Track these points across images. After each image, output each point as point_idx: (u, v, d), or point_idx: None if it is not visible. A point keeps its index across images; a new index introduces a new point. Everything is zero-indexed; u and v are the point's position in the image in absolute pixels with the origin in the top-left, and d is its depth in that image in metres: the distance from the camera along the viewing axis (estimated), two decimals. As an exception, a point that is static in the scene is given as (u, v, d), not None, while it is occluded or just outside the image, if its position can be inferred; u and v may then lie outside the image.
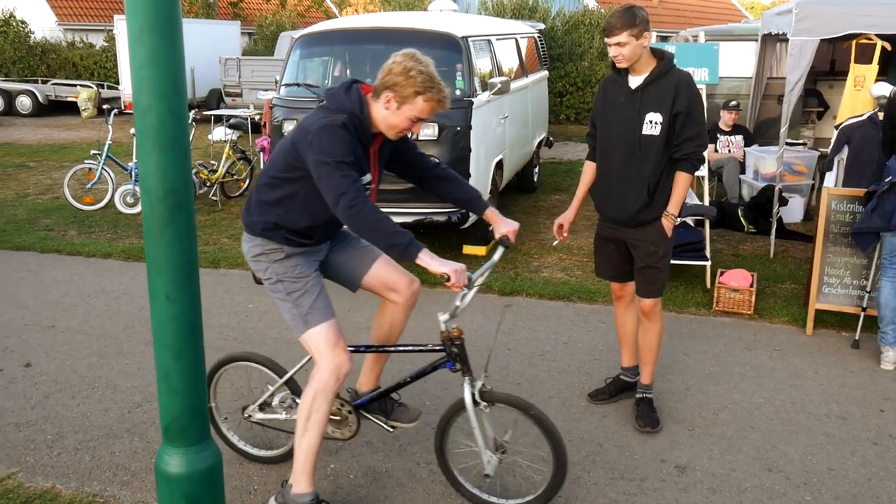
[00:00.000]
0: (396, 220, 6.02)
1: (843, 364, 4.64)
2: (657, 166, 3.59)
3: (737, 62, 9.74)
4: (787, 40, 6.29)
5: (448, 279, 2.63)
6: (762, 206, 7.33)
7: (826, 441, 3.75)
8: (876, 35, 6.12)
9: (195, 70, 16.83)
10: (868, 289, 4.91)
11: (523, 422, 2.97)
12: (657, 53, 3.58)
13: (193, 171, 8.76)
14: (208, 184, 8.98)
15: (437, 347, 3.02)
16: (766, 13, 8.65)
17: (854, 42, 6.30)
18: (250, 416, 3.45)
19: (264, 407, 3.41)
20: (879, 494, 3.31)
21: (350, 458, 3.59)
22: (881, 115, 5.47)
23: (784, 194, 7.13)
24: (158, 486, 1.66)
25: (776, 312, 5.43)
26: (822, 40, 6.24)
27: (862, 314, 4.93)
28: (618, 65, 3.60)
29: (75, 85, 19.16)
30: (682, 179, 3.61)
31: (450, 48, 6.26)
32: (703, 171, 6.02)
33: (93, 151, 8.89)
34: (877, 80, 6.15)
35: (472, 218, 6.39)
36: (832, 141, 5.96)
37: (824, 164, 6.29)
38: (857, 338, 4.89)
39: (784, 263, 6.57)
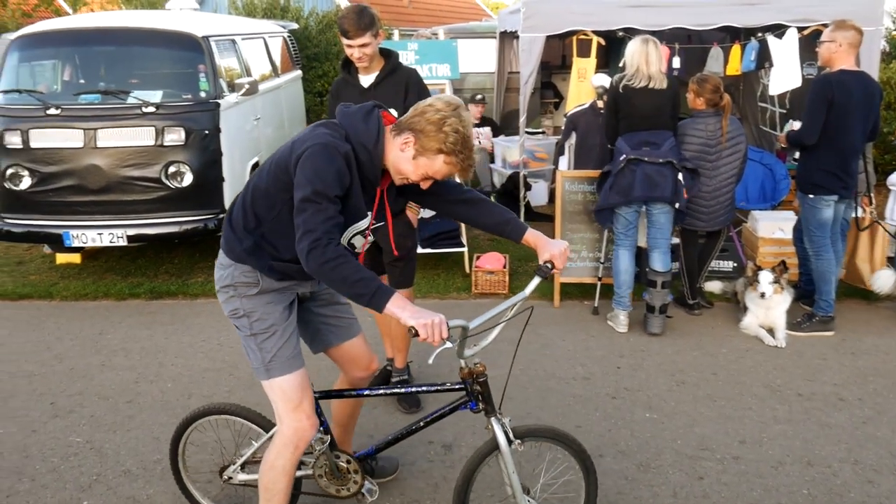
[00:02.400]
0: (148, 231, 5.72)
1: (585, 330, 5.12)
2: None
3: (480, 58, 10.34)
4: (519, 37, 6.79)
5: (416, 334, 2.23)
6: (511, 192, 7.84)
7: (574, 401, 4.12)
8: (592, 32, 6.78)
9: None
10: (602, 260, 5.46)
11: (558, 453, 2.78)
12: (383, 52, 3.71)
13: None
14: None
15: (457, 386, 2.74)
16: (501, 11, 9.29)
17: (575, 38, 6.94)
18: (230, 478, 3.01)
19: (248, 466, 3.01)
20: (618, 441, 3.71)
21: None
22: (600, 104, 6.10)
23: (529, 180, 7.70)
24: None
25: (528, 289, 5.84)
26: (552, 37, 6.81)
27: (599, 283, 5.47)
28: (359, 65, 3.68)
29: None
30: None
31: (190, 48, 6.00)
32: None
33: None
34: (597, 72, 6.82)
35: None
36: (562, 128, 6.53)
37: (557, 150, 6.89)
38: (596, 305, 5.41)
39: (533, 243, 7.09)
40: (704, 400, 4.12)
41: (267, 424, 2.93)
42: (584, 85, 6.91)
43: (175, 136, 5.73)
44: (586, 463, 2.80)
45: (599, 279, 5.47)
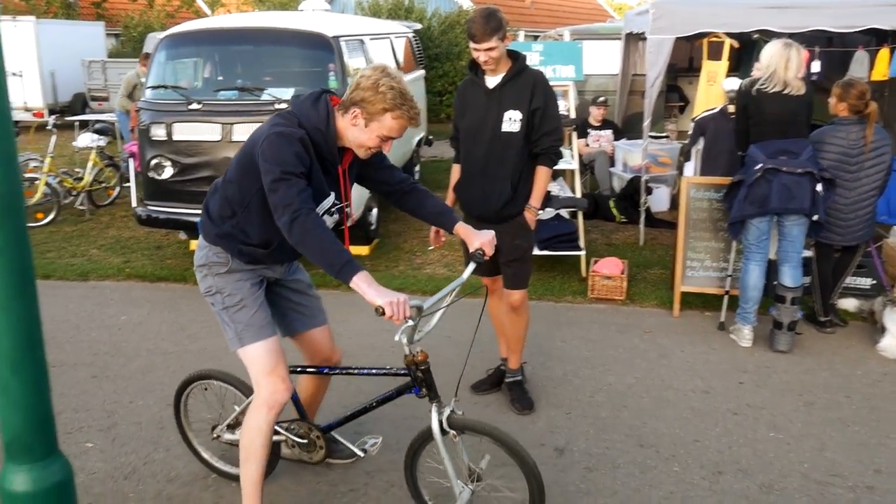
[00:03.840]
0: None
1: (706, 342, 4.94)
2: (518, 162, 3.71)
3: (604, 60, 10.17)
4: (646, 39, 6.63)
5: (382, 313, 2.35)
6: (631, 197, 7.68)
7: (691, 415, 3.99)
8: (725, 33, 6.53)
9: (56, 74, 15.91)
10: (729, 271, 5.24)
11: (496, 449, 2.79)
12: (511, 54, 3.71)
13: (57, 179, 8.29)
14: (74, 192, 8.53)
15: (402, 371, 2.84)
16: (628, 13, 9.08)
17: (706, 40, 6.70)
18: (219, 436, 3.32)
19: (233, 427, 3.27)
20: (739, 459, 3.55)
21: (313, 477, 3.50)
22: (731, 108, 5.86)
23: (650, 185, 7.51)
24: None
25: (646, 297, 5.71)
26: (680, 39, 6.61)
27: (726, 295, 5.25)
28: (486, 68, 3.69)
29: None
30: (542, 173, 3.75)
31: (321, 48, 6.21)
32: (573, 164, 6.25)
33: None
34: (728, 76, 6.57)
35: (353, 218, 6.36)
36: (689, 133, 6.33)
37: (683, 155, 6.68)
38: (722, 319, 5.18)
39: (653, 250, 6.92)
40: (835, 423, 3.89)
41: (248, 391, 3.13)
42: (714, 89, 6.67)
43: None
44: (527, 467, 2.73)
45: (727, 292, 5.24)
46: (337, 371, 3.07)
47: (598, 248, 6.96)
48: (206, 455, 3.48)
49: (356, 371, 3.03)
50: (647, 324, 5.26)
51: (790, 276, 4.70)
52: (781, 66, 4.57)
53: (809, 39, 6.72)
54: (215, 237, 2.81)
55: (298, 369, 3.08)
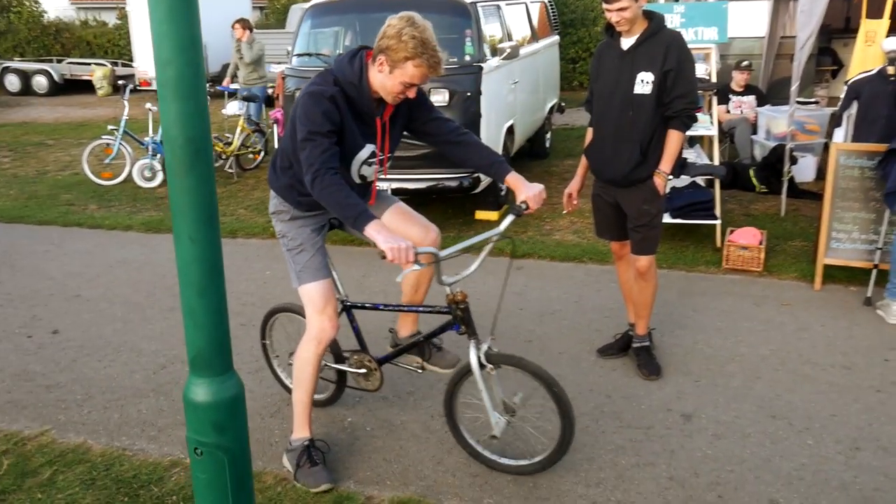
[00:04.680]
0: (408, 186, 6.15)
1: (850, 317, 4.70)
2: (649, 125, 3.66)
3: (749, 22, 9.63)
4: (797, -3, 6.27)
5: (384, 257, 2.57)
6: (773, 166, 7.32)
7: (830, 389, 3.84)
8: (887, -12, 6.07)
9: (207, 45, 16.88)
10: (879, 244, 4.94)
11: (531, 383, 3.00)
12: (647, 14, 3.64)
13: (223, 141, 8.91)
14: (224, 156, 9.11)
15: (444, 309, 3.08)
16: (778, -30, 8.57)
17: (865, -4, 6.26)
18: (291, 363, 3.61)
19: None
20: (880, 437, 3.40)
21: (367, 412, 3.72)
22: (891, 70, 5.46)
23: (795, 153, 7.13)
24: (187, 415, 1.80)
25: (785, 269, 5.48)
26: (834, -3, 6.21)
27: (875, 269, 4.96)
28: (619, 29, 3.65)
29: (90, 63, 19.27)
30: (673, 137, 3.69)
31: (459, 14, 6.29)
32: (712, 131, 6.04)
33: (110, 127, 9.04)
34: (888, 35, 6.10)
35: (484, 182, 6.46)
36: (841, 97, 5.95)
37: (834, 121, 6.29)
38: (869, 294, 4.90)
39: (795, 222, 6.60)
40: None
41: None
42: (873, 49, 6.22)
43: (440, 98, 6.07)
44: (558, 396, 2.92)
45: (876, 265, 4.94)
46: (390, 307, 3.34)
47: (736, 218, 6.70)
48: (283, 376, 3.87)
49: (406, 308, 3.35)
50: (786, 296, 5.05)
51: (949, 250, 4.39)
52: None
53: None
54: (279, 188, 3.13)
55: (358, 305, 3.39)
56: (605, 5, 3.58)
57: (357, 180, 3.07)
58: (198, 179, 1.61)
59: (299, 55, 6.69)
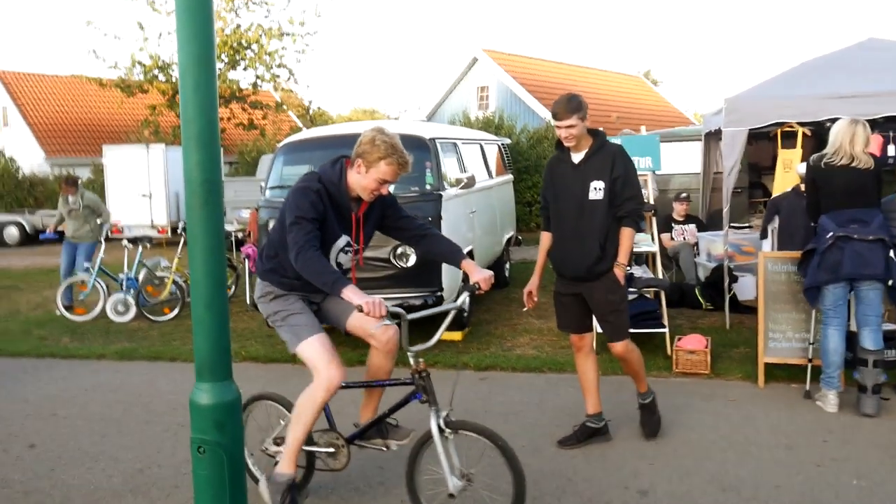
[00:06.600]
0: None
1: (791, 408, 5.05)
2: (604, 225, 4.19)
3: (686, 160, 10.61)
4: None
5: (361, 309, 3.00)
6: (716, 285, 7.87)
7: (774, 465, 4.13)
8: (797, 123, 6.90)
9: (180, 195, 17.57)
10: (811, 341, 5.38)
11: (489, 450, 3.23)
12: (591, 132, 4.24)
13: (182, 279, 9.23)
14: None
15: (407, 381, 3.42)
16: (706, 114, 9.57)
17: (779, 130, 7.07)
18: (266, 449, 3.83)
19: (279, 441, 3.76)
20: (821, 501, 3.67)
21: (339, 501, 3.89)
22: (803, 188, 6.14)
23: (735, 273, 7.71)
24: (192, 416, 2.06)
25: (731, 371, 5.86)
26: (761, 139, 6.99)
27: (809, 364, 5.37)
28: (567, 144, 4.23)
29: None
30: (626, 233, 4.22)
31: (419, 148, 6.93)
32: (654, 247, 6.60)
33: (85, 265, 9.34)
34: (802, 161, 6.86)
35: (446, 303, 6.86)
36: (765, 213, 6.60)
37: (760, 234, 6.92)
38: (807, 388, 5.28)
39: (739, 332, 7.05)
40: (922, 475, 3.95)
41: (292, 408, 3.60)
42: (790, 175, 6.98)
43: (403, 223, 6.57)
44: (511, 461, 3.19)
45: (810, 360, 5.35)
46: (361, 384, 3.65)
47: (685, 331, 7.11)
48: (254, 470, 3.92)
49: (375, 384, 3.67)
50: (732, 394, 5.41)
51: (871, 339, 4.83)
52: (847, 141, 4.88)
53: (883, 126, 7.00)
54: (264, 272, 3.58)
55: (351, 384, 3.63)
56: (554, 122, 4.18)
57: (334, 265, 3.48)
58: (210, 212, 1.99)
59: (272, 188, 7.23)
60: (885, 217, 4.86)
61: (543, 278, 4.54)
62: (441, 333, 3.38)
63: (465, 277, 3.64)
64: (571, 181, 4.26)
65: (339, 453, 3.64)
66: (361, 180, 3.36)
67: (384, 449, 3.65)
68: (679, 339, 6.07)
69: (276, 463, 3.65)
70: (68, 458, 4.65)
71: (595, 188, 4.18)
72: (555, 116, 4.16)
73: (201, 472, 2.04)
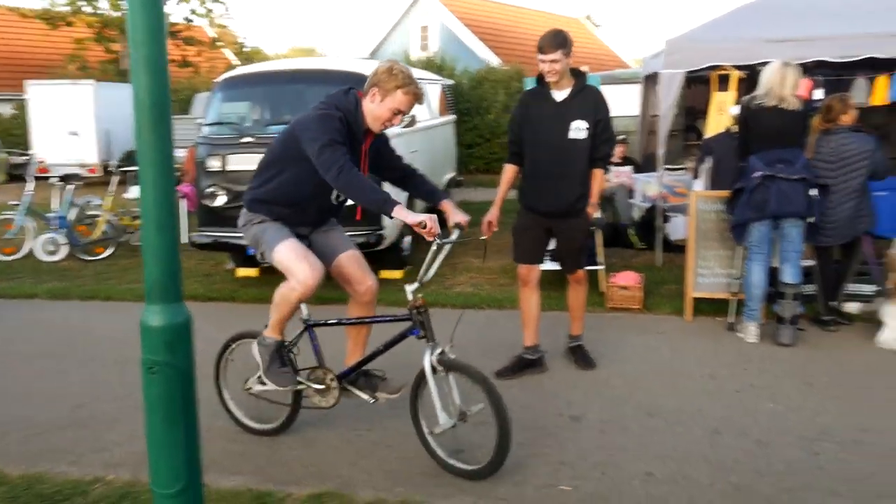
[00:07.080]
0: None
1: (716, 340, 5.32)
2: (584, 164, 4.33)
3: (624, 103, 10.73)
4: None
5: (425, 226, 3.02)
6: (649, 225, 8.11)
7: (698, 392, 4.37)
8: (732, 66, 7.06)
9: (111, 132, 16.98)
10: (737, 276, 5.63)
11: (476, 392, 3.22)
12: (573, 72, 4.29)
13: (116, 218, 9.02)
14: (130, 230, 9.22)
15: (405, 317, 3.38)
16: (646, 57, 9.69)
17: (714, 73, 7.23)
18: (250, 388, 3.83)
19: (262, 380, 3.75)
20: (738, 424, 3.92)
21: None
22: (736, 129, 6.33)
23: (668, 213, 7.94)
24: (143, 338, 2.10)
25: (661, 306, 6.11)
26: (697, 82, 7.12)
27: (734, 299, 5.63)
28: (549, 79, 4.28)
29: (-17, 153, 18.89)
30: (598, 174, 4.40)
31: (359, 84, 6.85)
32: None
33: (10, 202, 9.03)
34: (735, 104, 7.05)
35: (387, 241, 6.90)
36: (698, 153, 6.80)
37: (692, 174, 7.14)
38: (731, 321, 5.56)
39: (670, 270, 7.31)
40: (832, 399, 4.23)
41: None
42: (723, 117, 7.16)
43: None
44: (497, 405, 3.17)
45: (734, 294, 5.61)
46: (352, 321, 3.64)
47: (618, 269, 7.30)
48: (236, 413, 3.96)
49: (368, 319, 3.67)
50: (662, 327, 5.65)
51: (790, 274, 5.10)
52: (777, 83, 5.05)
53: (812, 70, 7.21)
54: (251, 202, 3.55)
55: (321, 322, 3.67)
56: (539, 56, 4.21)
57: (334, 202, 3.54)
58: (159, 137, 1.98)
59: (210, 124, 7.07)
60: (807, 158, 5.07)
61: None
62: (436, 269, 3.33)
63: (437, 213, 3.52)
64: (551, 118, 4.33)
65: (329, 391, 3.64)
66: (375, 109, 3.34)
67: (372, 401, 3.60)
68: (613, 276, 6.27)
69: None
70: (3, 394, 4.59)
71: (577, 127, 4.28)
72: (540, 50, 4.20)
73: (152, 391, 2.08)
